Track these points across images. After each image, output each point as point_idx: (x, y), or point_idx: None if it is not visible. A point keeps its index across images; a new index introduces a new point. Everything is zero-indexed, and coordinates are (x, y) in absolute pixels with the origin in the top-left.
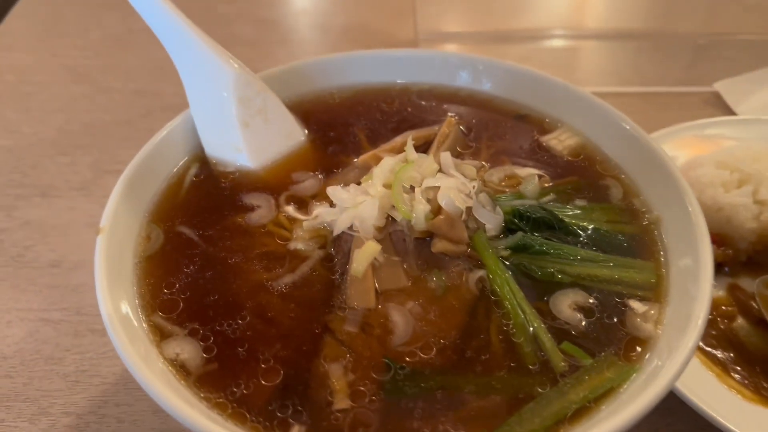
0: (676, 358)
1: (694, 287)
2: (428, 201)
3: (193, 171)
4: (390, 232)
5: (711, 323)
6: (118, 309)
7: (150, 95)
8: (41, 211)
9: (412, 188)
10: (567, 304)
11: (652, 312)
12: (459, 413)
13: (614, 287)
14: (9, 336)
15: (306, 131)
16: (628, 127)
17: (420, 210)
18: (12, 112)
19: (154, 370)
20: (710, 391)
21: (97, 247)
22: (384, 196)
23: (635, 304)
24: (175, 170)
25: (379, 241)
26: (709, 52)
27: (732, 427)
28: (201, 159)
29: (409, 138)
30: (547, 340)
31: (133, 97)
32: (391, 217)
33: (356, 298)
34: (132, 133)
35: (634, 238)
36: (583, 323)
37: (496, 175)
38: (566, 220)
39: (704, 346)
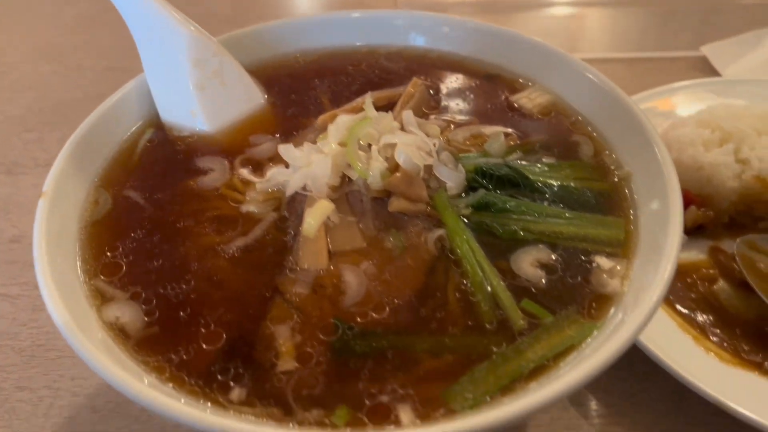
0: (640, 311)
1: (663, 238)
2: (386, 159)
3: (147, 136)
4: (346, 192)
5: (691, 286)
6: (56, 272)
7: (122, 72)
8: (5, 188)
9: (370, 147)
10: (529, 262)
11: (619, 268)
12: (411, 374)
13: (580, 244)
14: None
15: (266, 95)
16: (597, 81)
17: (376, 167)
18: None
19: (88, 333)
20: (686, 354)
21: (38, 211)
22: (338, 154)
23: (602, 261)
24: (127, 135)
25: (334, 201)
26: (697, 17)
27: (707, 389)
28: (156, 124)
29: (368, 95)
30: (505, 298)
31: (105, 74)
32: (348, 177)
33: (307, 258)
34: None
35: (603, 195)
36: (545, 281)
37: (461, 134)
38: (532, 177)
39: (683, 309)
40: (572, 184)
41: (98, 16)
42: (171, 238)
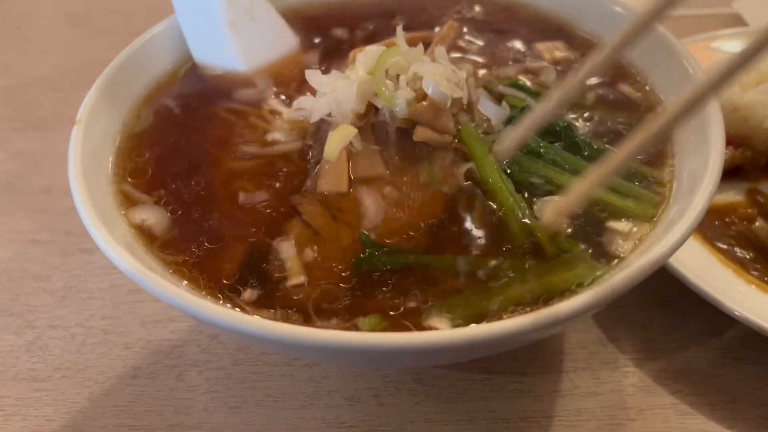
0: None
1: (701, 170)
2: (414, 90)
3: (181, 71)
4: (372, 121)
5: (729, 225)
6: (89, 180)
7: None
8: (34, 143)
9: (398, 77)
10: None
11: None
12: (435, 289)
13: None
14: None
15: (298, 36)
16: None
17: (403, 96)
18: (8, 55)
19: (114, 232)
20: (728, 286)
21: (72, 134)
22: (365, 81)
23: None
24: (160, 72)
25: (359, 129)
26: None
27: (750, 317)
28: (189, 62)
29: (399, 28)
30: (536, 224)
31: (129, 38)
32: (374, 107)
33: (328, 182)
34: None
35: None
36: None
37: (511, 70)
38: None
39: (722, 246)
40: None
41: None
42: (199, 158)
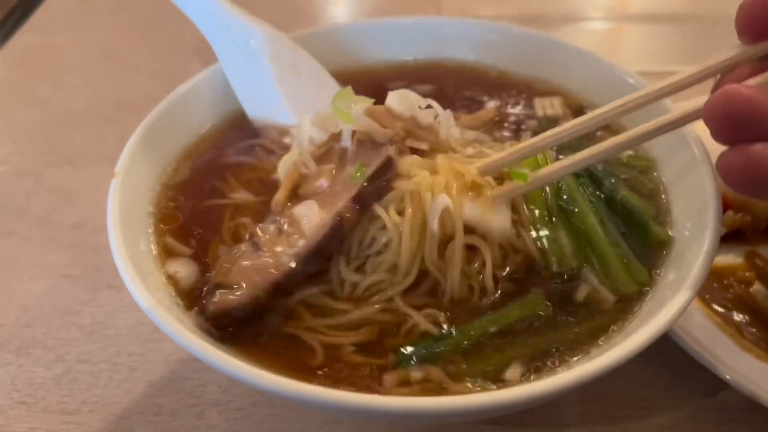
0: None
1: (698, 241)
2: None
3: (221, 123)
4: (333, 146)
5: (727, 287)
6: (126, 232)
7: (178, 73)
8: (67, 177)
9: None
10: None
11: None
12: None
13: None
14: (30, 290)
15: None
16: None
17: (360, 107)
18: (44, 90)
19: (150, 286)
20: (724, 350)
21: (111, 188)
22: (324, 112)
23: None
24: (199, 123)
25: (320, 155)
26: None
27: (744, 383)
28: (229, 113)
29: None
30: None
31: (161, 76)
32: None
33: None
34: None
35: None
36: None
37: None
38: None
39: (719, 309)
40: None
41: (155, 21)
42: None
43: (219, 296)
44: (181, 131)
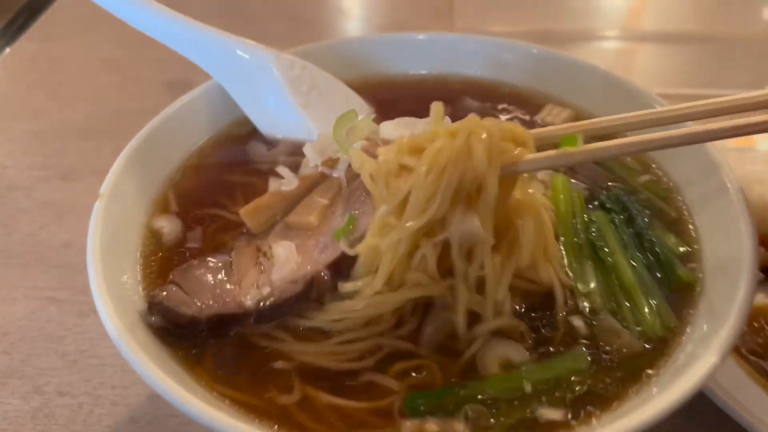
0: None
1: (732, 287)
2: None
3: (215, 141)
4: (328, 174)
5: (758, 331)
6: (109, 278)
7: (180, 85)
8: (60, 193)
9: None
10: None
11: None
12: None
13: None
14: (13, 313)
15: (370, 105)
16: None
17: (359, 142)
18: (43, 99)
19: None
20: (756, 402)
21: (94, 211)
22: (325, 137)
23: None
24: (192, 143)
25: (316, 186)
26: (756, 55)
27: None
28: (224, 131)
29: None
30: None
31: (162, 87)
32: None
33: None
34: None
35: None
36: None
37: None
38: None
39: (750, 356)
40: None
41: None
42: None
43: (167, 293)
44: (174, 149)
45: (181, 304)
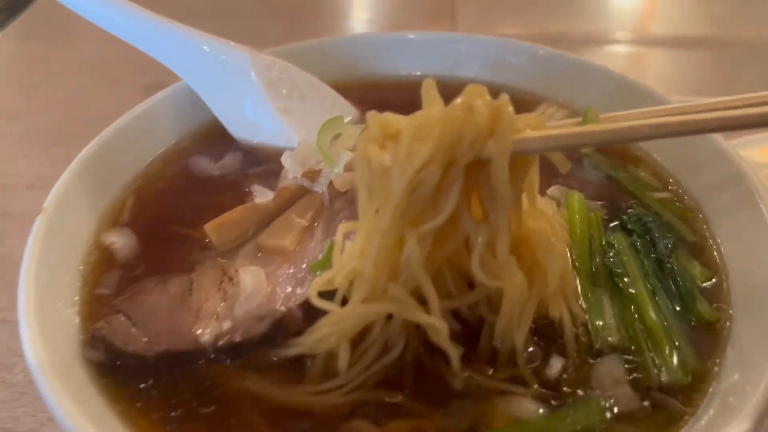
0: None
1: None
2: None
3: (174, 155)
4: (309, 187)
5: None
6: (45, 299)
7: (163, 88)
8: (24, 203)
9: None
10: None
11: None
12: None
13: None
14: None
15: (357, 109)
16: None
17: (344, 156)
18: (17, 101)
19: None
20: None
21: (34, 228)
22: (307, 145)
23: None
24: (148, 156)
25: (299, 202)
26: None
27: None
28: (182, 143)
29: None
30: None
31: (144, 90)
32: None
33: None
34: None
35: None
36: None
37: None
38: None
39: None
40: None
41: None
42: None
43: (111, 325)
44: (133, 158)
45: (127, 339)
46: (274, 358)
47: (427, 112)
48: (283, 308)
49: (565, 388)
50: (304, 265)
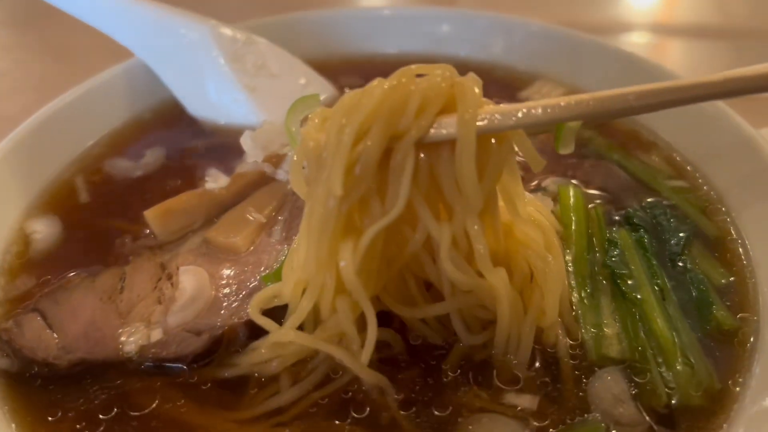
0: None
1: None
2: None
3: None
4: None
5: None
6: None
7: None
8: None
9: None
10: None
11: None
12: None
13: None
14: None
15: (333, 86)
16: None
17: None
18: None
19: None
20: None
21: None
22: (271, 126)
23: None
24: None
25: (260, 193)
26: None
27: None
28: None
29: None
30: None
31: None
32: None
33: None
34: None
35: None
36: None
37: None
38: None
39: None
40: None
41: None
42: None
43: (20, 327)
44: (73, 140)
45: (37, 343)
46: (206, 380)
47: (365, 87)
48: (224, 325)
49: (557, 410)
50: (257, 271)
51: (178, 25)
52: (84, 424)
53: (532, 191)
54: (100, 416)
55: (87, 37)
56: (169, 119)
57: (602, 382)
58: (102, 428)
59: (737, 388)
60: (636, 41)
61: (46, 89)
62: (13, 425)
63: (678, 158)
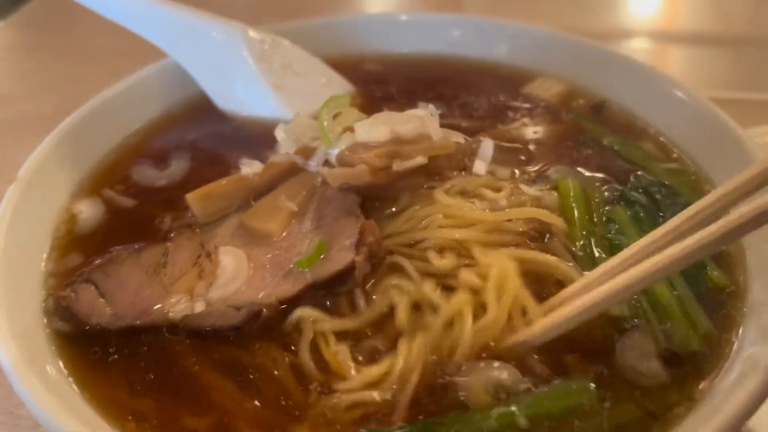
0: None
1: None
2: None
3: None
4: (303, 166)
5: None
6: (12, 265)
7: None
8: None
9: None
10: None
11: None
12: None
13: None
14: None
15: (352, 85)
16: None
17: (345, 138)
18: (9, 88)
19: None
20: None
21: (6, 195)
22: (304, 120)
23: None
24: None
25: (292, 182)
26: None
27: None
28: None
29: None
30: None
31: None
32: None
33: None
34: None
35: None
36: None
37: None
38: None
39: None
40: None
41: None
42: None
43: (76, 294)
44: (116, 129)
45: (91, 310)
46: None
47: None
48: (264, 301)
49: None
50: (291, 256)
51: (210, 27)
52: (132, 374)
53: (534, 180)
54: (143, 368)
55: (109, 39)
56: (200, 113)
57: (631, 340)
58: (144, 380)
59: (734, 339)
60: (638, 47)
61: (73, 89)
62: (71, 379)
63: (667, 142)
